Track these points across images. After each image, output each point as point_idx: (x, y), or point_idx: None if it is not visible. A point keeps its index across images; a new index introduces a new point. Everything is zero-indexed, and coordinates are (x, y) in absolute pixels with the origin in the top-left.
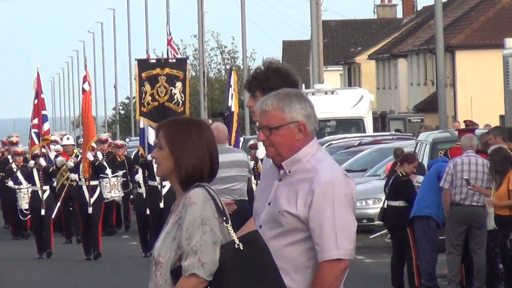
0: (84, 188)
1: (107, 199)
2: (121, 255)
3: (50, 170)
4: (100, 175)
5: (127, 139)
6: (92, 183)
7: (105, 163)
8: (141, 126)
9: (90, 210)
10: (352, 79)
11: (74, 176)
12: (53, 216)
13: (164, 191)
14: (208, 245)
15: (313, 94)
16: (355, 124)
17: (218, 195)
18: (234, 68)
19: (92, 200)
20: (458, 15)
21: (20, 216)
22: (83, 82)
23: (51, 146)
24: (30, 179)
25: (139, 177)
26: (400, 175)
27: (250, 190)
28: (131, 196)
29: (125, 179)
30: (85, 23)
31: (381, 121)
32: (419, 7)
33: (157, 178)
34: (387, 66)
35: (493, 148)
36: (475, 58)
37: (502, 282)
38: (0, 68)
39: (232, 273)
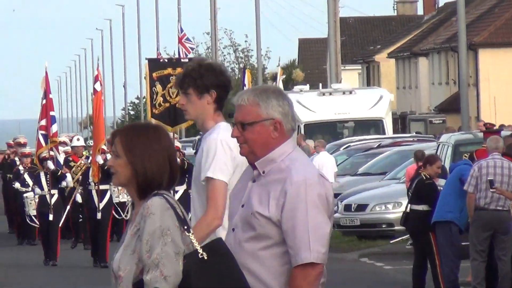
0: (94, 192)
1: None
2: None
3: (59, 173)
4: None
5: None
6: (102, 187)
7: None
8: None
9: (99, 215)
10: (371, 79)
11: (64, 183)
12: (60, 224)
13: (177, 196)
14: (170, 256)
15: (330, 94)
16: (374, 125)
17: (178, 203)
18: (247, 66)
19: (102, 205)
20: (481, 12)
21: (28, 221)
22: (95, 82)
23: (60, 148)
24: (37, 183)
25: None
26: (424, 178)
27: None
28: None
29: None
30: (93, 20)
31: (401, 122)
32: (441, 4)
33: None
34: (407, 65)
35: None
36: (498, 57)
37: None
38: (4, 68)
39: (197, 284)
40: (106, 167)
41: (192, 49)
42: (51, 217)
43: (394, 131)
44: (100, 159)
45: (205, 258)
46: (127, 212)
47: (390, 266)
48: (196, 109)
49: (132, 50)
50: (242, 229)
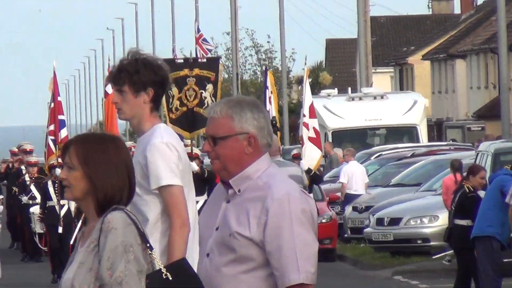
0: None
1: None
2: None
3: None
4: None
5: None
6: None
7: None
8: None
9: None
10: (404, 82)
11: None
12: (71, 242)
13: (198, 206)
14: (133, 275)
15: (360, 98)
16: (407, 133)
17: (138, 218)
18: (269, 68)
19: None
20: None
21: (36, 240)
22: (106, 84)
23: None
24: (45, 193)
25: None
26: (467, 190)
27: None
28: None
29: None
30: (104, 19)
31: (437, 129)
32: (479, 2)
33: None
34: (443, 68)
35: None
36: None
37: None
38: (6, 71)
39: None
40: None
41: (210, 50)
42: (60, 230)
43: (429, 139)
44: None
45: (170, 278)
46: None
47: (426, 285)
48: (132, 108)
49: (146, 50)
50: (219, 253)
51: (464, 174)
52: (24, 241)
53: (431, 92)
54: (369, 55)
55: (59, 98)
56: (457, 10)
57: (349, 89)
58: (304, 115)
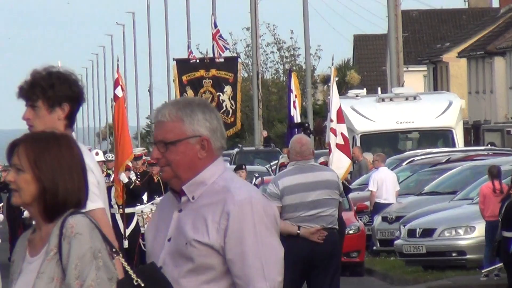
0: (118, 217)
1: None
2: None
3: None
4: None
5: None
6: (128, 210)
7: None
8: None
9: (125, 243)
10: (438, 82)
11: None
12: None
13: None
14: (105, 282)
15: (391, 99)
16: (442, 137)
17: (98, 223)
18: (293, 68)
19: (128, 231)
20: None
21: None
22: (115, 87)
23: None
24: None
25: None
26: None
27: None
28: None
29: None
30: (113, 14)
31: (474, 132)
32: None
33: None
34: (480, 66)
35: None
36: None
37: None
38: (10, 70)
39: None
40: (131, 187)
41: (226, 48)
42: None
43: (466, 143)
44: (124, 178)
45: (141, 285)
46: None
47: None
48: (46, 125)
49: (158, 48)
50: (174, 265)
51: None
52: None
53: (468, 92)
54: (400, 52)
55: None
56: (495, 3)
57: (379, 89)
58: (331, 120)
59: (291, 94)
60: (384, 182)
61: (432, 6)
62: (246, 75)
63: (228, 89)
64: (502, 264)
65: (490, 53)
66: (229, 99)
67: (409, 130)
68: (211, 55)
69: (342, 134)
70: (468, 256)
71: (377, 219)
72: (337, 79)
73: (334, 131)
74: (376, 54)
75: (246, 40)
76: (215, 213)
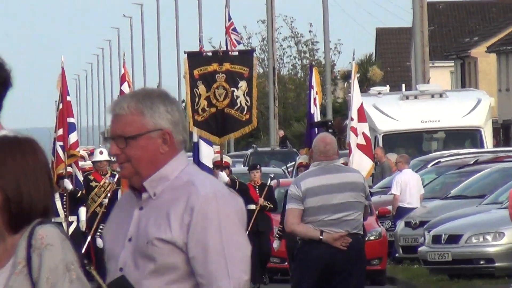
0: None
1: None
2: None
3: (79, 195)
4: None
5: None
6: None
7: None
8: (194, 139)
9: None
10: (466, 78)
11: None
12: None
13: None
14: None
15: (415, 97)
16: (470, 136)
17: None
18: (314, 63)
19: None
20: None
21: None
22: (121, 83)
23: (78, 163)
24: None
25: None
26: None
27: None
28: None
29: None
30: (120, 6)
31: (504, 132)
32: None
33: None
34: (511, 62)
35: None
36: None
37: None
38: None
39: None
40: None
41: (239, 42)
42: None
43: (495, 144)
44: None
45: None
46: None
47: None
48: None
49: (168, 42)
50: (136, 266)
51: None
52: None
53: (497, 89)
54: (426, 47)
55: (68, 98)
56: None
57: (403, 86)
58: (352, 119)
59: (312, 90)
60: (407, 185)
61: None
62: (261, 71)
63: (243, 84)
64: None
65: None
66: (244, 95)
67: (434, 130)
68: (225, 49)
69: (363, 133)
70: (496, 264)
71: (400, 225)
72: (358, 75)
73: (354, 131)
74: (400, 49)
75: (261, 33)
76: (178, 208)
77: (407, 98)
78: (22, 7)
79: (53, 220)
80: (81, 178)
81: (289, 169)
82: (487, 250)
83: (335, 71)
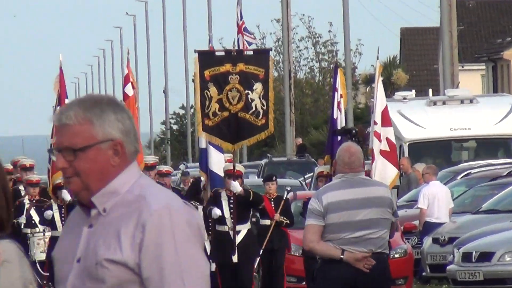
0: None
1: None
2: None
3: None
4: None
5: (181, 165)
6: None
7: None
8: (202, 145)
9: None
10: (498, 82)
11: None
12: None
13: (238, 238)
14: None
15: (443, 103)
16: (502, 146)
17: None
18: (339, 64)
19: None
20: None
21: (40, 269)
22: (125, 84)
23: None
24: (48, 220)
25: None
26: None
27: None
28: None
29: None
30: (123, 3)
31: None
32: None
33: (228, 221)
34: None
35: None
36: None
37: None
38: (3, 77)
39: None
40: None
41: (250, 44)
42: None
43: None
44: None
45: None
46: None
47: None
48: None
49: (175, 42)
50: None
51: None
52: None
53: None
54: (454, 48)
55: (66, 101)
56: None
57: (430, 91)
58: (375, 123)
59: (336, 93)
60: (435, 199)
61: None
62: (276, 74)
63: (258, 86)
64: None
65: None
66: (259, 98)
67: (464, 139)
68: (239, 48)
69: (387, 139)
70: None
71: (427, 241)
72: (382, 78)
73: (378, 136)
74: (427, 51)
75: (276, 34)
76: (129, 225)
77: (435, 104)
78: (15, 5)
79: (51, 233)
80: None
81: (306, 181)
82: None
83: (356, 75)
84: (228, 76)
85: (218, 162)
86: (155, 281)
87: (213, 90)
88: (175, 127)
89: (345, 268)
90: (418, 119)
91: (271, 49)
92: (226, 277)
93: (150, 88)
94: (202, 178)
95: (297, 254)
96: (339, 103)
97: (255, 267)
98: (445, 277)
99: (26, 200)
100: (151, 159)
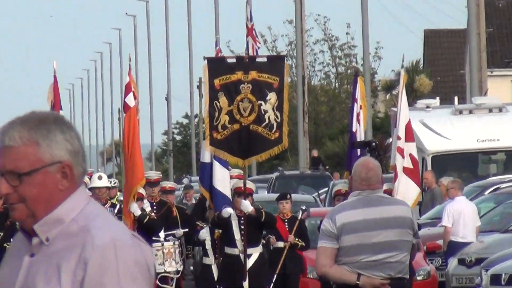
0: None
1: (159, 273)
2: None
3: None
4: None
5: (184, 180)
6: None
7: (154, 217)
8: (206, 160)
9: None
10: None
11: None
12: None
13: (250, 263)
14: None
15: (470, 112)
16: None
17: None
18: (360, 72)
19: None
20: None
21: None
22: (126, 94)
23: None
24: None
25: (203, 235)
26: None
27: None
28: (191, 269)
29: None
30: (122, 3)
31: None
32: None
33: (238, 243)
34: None
35: None
36: None
37: None
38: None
39: None
40: (145, 221)
41: (258, 49)
42: None
43: None
44: (136, 209)
45: None
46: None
47: None
48: None
49: (178, 46)
50: None
51: None
52: None
53: None
54: (483, 52)
55: (61, 111)
56: None
57: (456, 98)
58: (398, 138)
59: (355, 104)
60: (461, 216)
61: None
62: (289, 80)
63: (272, 96)
64: None
65: None
66: (273, 109)
67: (493, 151)
68: (252, 55)
69: (410, 155)
70: None
71: (453, 262)
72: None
73: (401, 151)
74: (453, 55)
75: (288, 36)
76: (70, 260)
77: (461, 112)
78: (5, 5)
79: None
80: None
81: (321, 196)
82: None
83: (375, 81)
84: (239, 85)
85: (223, 179)
86: None
87: (223, 101)
88: (178, 137)
89: None
90: (443, 129)
91: (286, 56)
92: None
93: (152, 95)
94: (203, 196)
95: (311, 277)
96: (358, 114)
97: None
98: None
99: None
100: (154, 174)
